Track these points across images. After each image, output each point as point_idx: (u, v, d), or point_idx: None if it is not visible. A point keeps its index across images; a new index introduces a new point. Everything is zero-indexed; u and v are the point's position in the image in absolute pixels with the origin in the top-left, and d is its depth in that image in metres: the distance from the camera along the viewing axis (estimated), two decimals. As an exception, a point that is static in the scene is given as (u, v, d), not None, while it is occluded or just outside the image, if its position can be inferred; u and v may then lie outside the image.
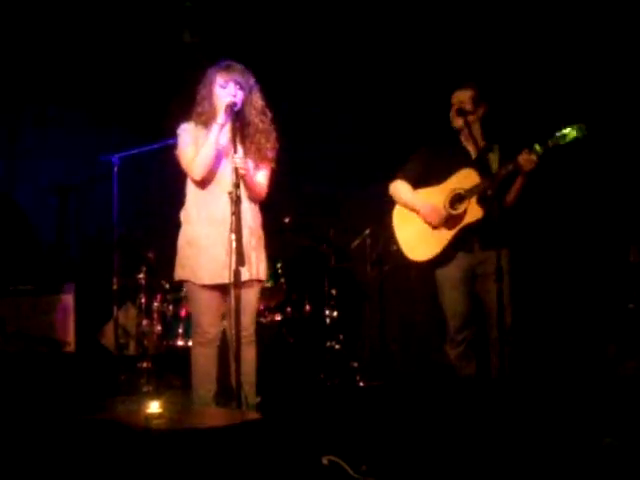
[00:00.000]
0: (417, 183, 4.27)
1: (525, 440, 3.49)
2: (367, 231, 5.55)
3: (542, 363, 4.98)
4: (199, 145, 3.69)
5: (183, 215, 3.81)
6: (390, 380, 5.37)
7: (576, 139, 3.88)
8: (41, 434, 3.35)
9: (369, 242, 5.57)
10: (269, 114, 3.82)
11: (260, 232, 3.85)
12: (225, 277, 3.46)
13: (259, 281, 3.82)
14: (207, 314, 3.74)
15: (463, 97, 4.17)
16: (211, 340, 3.76)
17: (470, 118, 4.11)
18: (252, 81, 3.76)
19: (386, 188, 4.39)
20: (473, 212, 4.10)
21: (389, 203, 4.42)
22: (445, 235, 4.18)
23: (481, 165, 4.08)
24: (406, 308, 6.09)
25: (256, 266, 3.76)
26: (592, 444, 3.43)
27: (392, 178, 4.35)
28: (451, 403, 4.19)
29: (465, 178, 4.12)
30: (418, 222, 4.26)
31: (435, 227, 4.18)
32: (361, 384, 5.28)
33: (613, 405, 4.05)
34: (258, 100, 3.78)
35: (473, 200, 4.09)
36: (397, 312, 6.00)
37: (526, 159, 3.93)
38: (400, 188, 4.31)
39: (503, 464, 3.21)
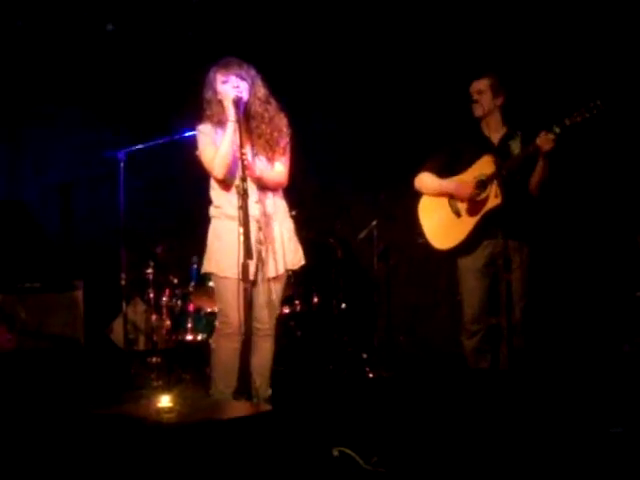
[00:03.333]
0: (441, 174, 4.27)
1: (534, 430, 3.49)
2: (374, 223, 5.55)
3: (552, 354, 4.98)
4: (218, 147, 3.68)
5: (211, 211, 3.82)
6: (399, 371, 5.38)
7: (593, 115, 3.86)
8: (52, 430, 3.37)
9: (376, 234, 5.57)
10: (274, 103, 3.79)
11: (287, 219, 3.86)
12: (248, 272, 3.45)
13: (285, 271, 3.83)
14: (234, 305, 3.67)
15: (481, 86, 4.15)
16: (236, 332, 3.70)
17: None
18: (253, 72, 3.73)
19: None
20: (494, 198, 4.09)
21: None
22: (470, 221, 4.18)
23: (502, 152, 4.09)
24: (414, 299, 6.10)
25: (282, 257, 3.76)
26: (601, 435, 3.44)
27: (416, 172, 4.35)
28: (460, 394, 4.20)
29: (486, 164, 4.09)
30: (443, 210, 4.27)
31: (466, 201, 4.17)
32: (370, 375, 5.29)
33: (624, 395, 4.06)
34: (261, 89, 3.75)
35: (495, 185, 4.08)
36: (405, 303, 6.01)
37: (544, 139, 3.92)
38: (426, 179, 4.31)
39: (512, 455, 3.21)
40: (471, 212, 4.19)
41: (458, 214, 4.23)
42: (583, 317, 5.27)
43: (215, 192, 3.79)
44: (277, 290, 3.82)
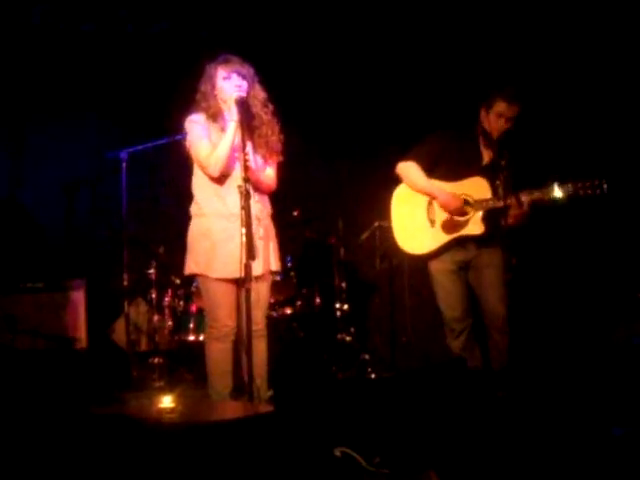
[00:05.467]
0: (427, 169, 4.24)
1: (537, 431, 3.49)
2: (376, 224, 5.54)
3: (551, 354, 4.97)
4: (212, 141, 3.67)
5: (194, 209, 3.78)
6: (401, 372, 5.37)
7: (596, 196, 3.86)
8: (53, 430, 3.36)
9: (378, 235, 5.56)
10: (271, 105, 3.80)
11: (269, 222, 3.84)
12: (239, 271, 3.44)
13: (271, 272, 3.83)
14: (224, 307, 3.71)
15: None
16: (227, 334, 3.72)
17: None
18: (252, 71, 3.73)
19: (392, 182, 4.37)
20: (475, 226, 4.09)
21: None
22: (441, 237, 4.17)
23: (492, 174, 4.07)
24: (416, 300, 6.08)
25: (266, 258, 3.75)
26: (602, 433, 3.43)
27: (403, 156, 4.30)
28: (462, 394, 4.19)
29: (477, 187, 4.10)
30: (418, 213, 4.24)
31: (450, 214, 4.13)
32: (372, 376, 5.29)
33: (624, 394, 4.05)
34: (260, 92, 3.77)
35: (478, 214, 4.08)
36: (407, 304, 5.99)
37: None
38: (413, 170, 4.24)
39: (513, 454, 3.21)
40: (446, 228, 4.16)
41: (432, 223, 4.20)
42: (584, 318, 5.26)
43: (201, 188, 3.75)
44: (267, 289, 3.83)
